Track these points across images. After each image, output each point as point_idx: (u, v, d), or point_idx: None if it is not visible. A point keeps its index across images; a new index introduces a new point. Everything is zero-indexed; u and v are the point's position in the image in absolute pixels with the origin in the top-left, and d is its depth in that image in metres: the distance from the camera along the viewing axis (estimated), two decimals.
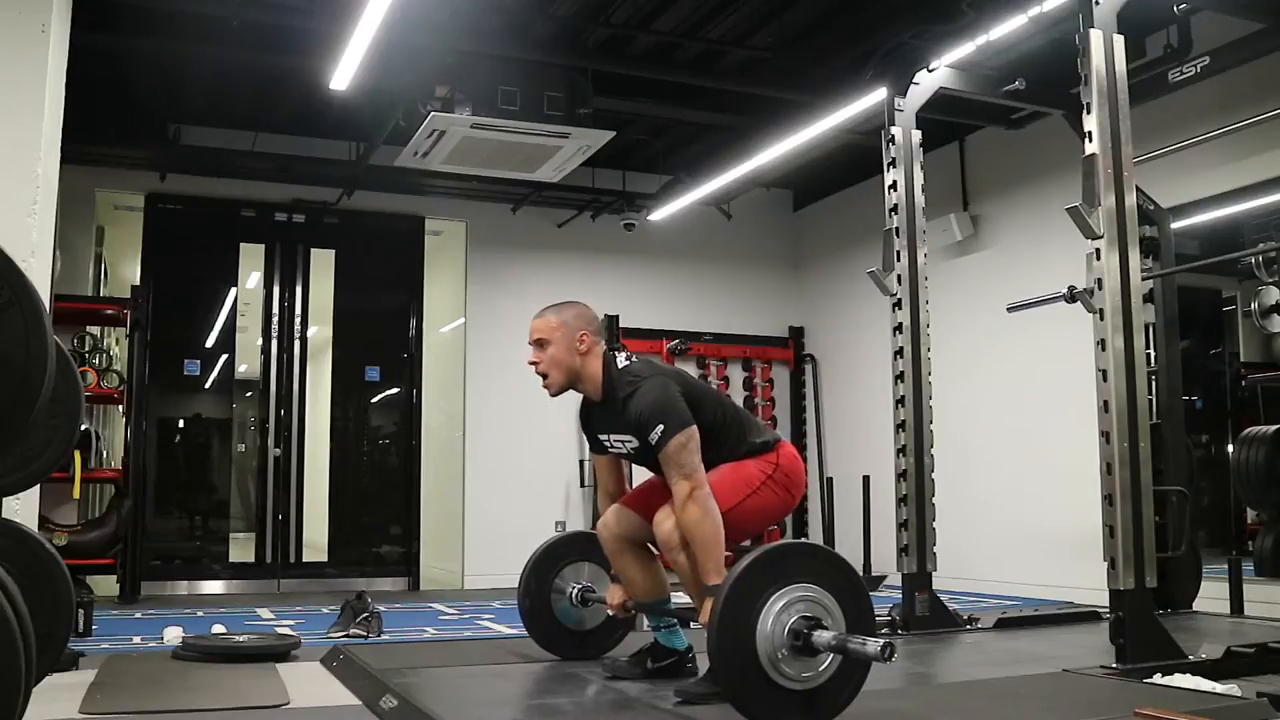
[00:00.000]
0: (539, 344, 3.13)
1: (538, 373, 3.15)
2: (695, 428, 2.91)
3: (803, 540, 2.50)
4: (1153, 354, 4.84)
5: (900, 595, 4.55)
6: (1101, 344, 3.57)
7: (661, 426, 2.88)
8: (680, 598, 3.76)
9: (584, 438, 3.42)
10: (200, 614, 5.94)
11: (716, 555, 2.82)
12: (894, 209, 4.70)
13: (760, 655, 2.40)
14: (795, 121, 6.38)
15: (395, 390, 8.36)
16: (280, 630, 4.85)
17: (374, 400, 8.54)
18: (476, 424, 8.21)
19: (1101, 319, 3.57)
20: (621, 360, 3.12)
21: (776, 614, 2.40)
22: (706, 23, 5.99)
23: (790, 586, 2.43)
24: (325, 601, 6.35)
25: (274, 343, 7.97)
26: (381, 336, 8.35)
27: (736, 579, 2.43)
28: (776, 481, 3.07)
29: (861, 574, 7.35)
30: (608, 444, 3.21)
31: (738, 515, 2.98)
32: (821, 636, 2.39)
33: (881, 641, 2.31)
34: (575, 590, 3.61)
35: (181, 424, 8.19)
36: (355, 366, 8.24)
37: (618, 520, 3.25)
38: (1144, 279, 4.13)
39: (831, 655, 2.43)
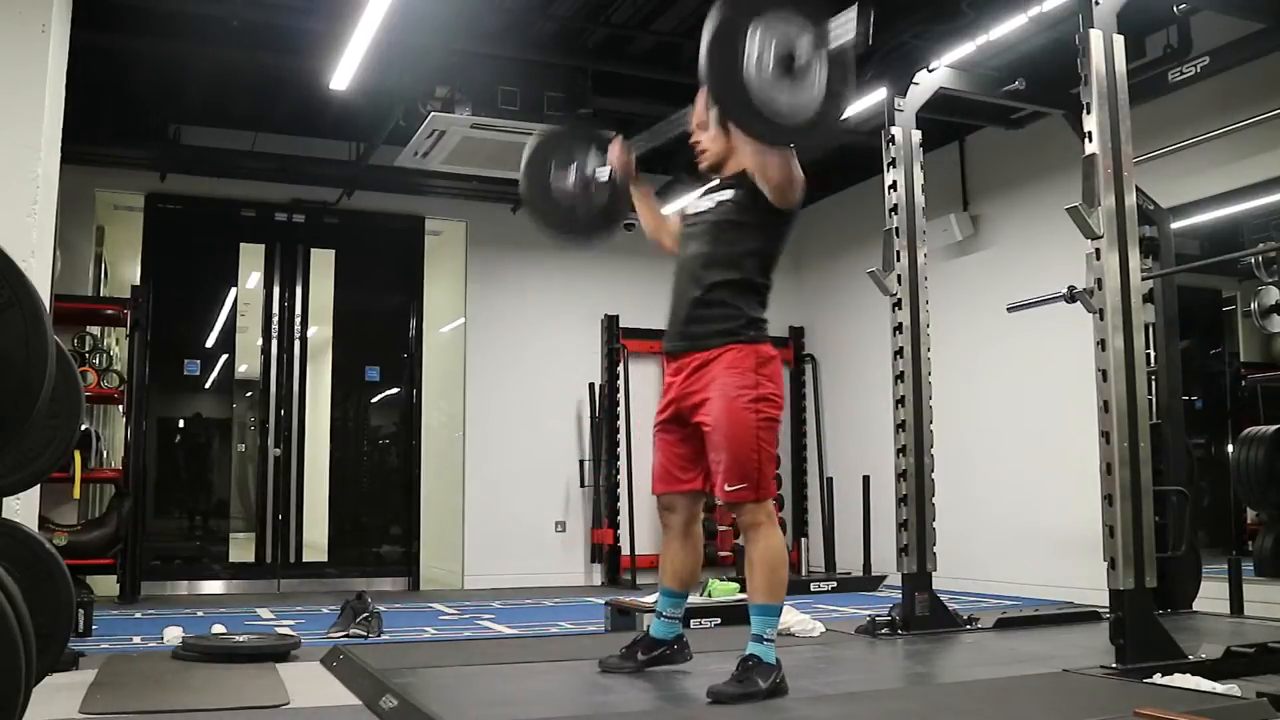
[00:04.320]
0: (701, 126, 3.28)
1: (700, 150, 3.30)
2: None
3: None
4: (1153, 354, 4.84)
5: (900, 595, 4.55)
6: (1101, 344, 3.57)
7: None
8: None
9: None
10: (200, 614, 5.94)
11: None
12: (894, 209, 4.70)
13: (756, 98, 2.56)
14: None
15: (395, 390, 8.36)
16: (280, 630, 4.84)
17: (374, 400, 8.54)
18: (476, 424, 8.21)
19: (1101, 319, 3.57)
20: None
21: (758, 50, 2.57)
22: None
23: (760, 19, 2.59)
24: (325, 601, 6.35)
25: (274, 343, 7.97)
26: (381, 336, 8.35)
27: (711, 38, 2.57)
28: (770, 417, 3.03)
29: (862, 574, 7.43)
30: (693, 205, 3.32)
31: (759, 442, 2.99)
32: (801, 44, 2.57)
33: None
34: (574, 176, 3.52)
35: (181, 424, 8.19)
36: (355, 366, 8.24)
37: (683, 507, 3.24)
38: (1144, 279, 4.13)
39: (816, 64, 2.60)
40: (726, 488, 2.97)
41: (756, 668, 2.89)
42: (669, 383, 3.23)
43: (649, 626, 3.41)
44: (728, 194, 3.16)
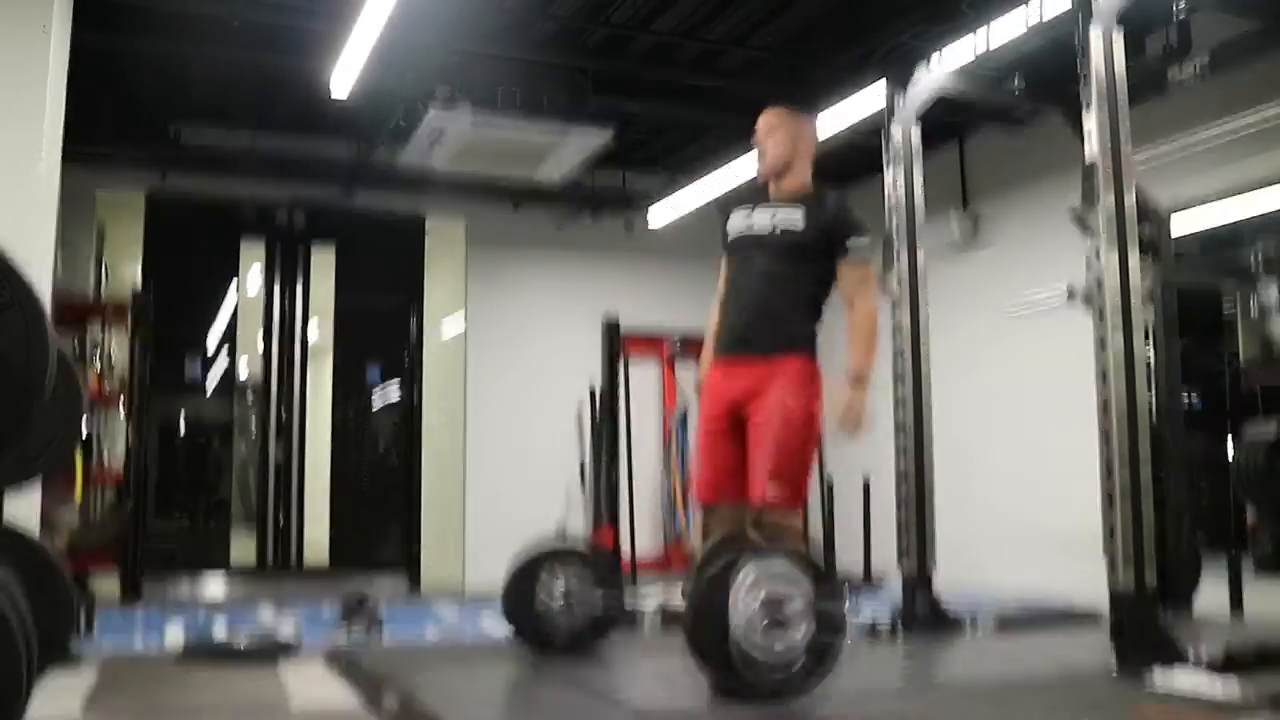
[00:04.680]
0: (769, 131, 3.37)
1: (759, 155, 3.38)
2: None
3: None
4: (1152, 354, 4.84)
5: (900, 595, 4.55)
6: (1101, 344, 3.57)
7: (866, 241, 3.25)
8: None
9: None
10: (201, 614, 5.94)
11: (874, 350, 3.18)
12: (894, 209, 4.70)
13: (736, 642, 2.52)
14: None
15: (395, 390, 8.36)
16: (280, 630, 4.85)
17: (374, 400, 8.55)
18: (477, 424, 8.20)
19: (1101, 319, 3.58)
20: None
21: (745, 592, 2.53)
22: (706, 23, 5.99)
23: (751, 567, 2.56)
24: (325, 602, 6.34)
25: (274, 343, 7.97)
26: (382, 336, 8.36)
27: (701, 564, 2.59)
28: (816, 432, 3.19)
29: (862, 574, 7.42)
30: (753, 221, 3.31)
31: (807, 452, 3.14)
32: (791, 607, 2.52)
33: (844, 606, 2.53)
34: (560, 596, 3.53)
35: (182, 424, 8.20)
36: (355, 367, 8.24)
37: (730, 519, 3.23)
38: (1144, 279, 4.13)
39: (803, 623, 2.56)
40: (769, 490, 3.03)
41: None
42: (719, 385, 3.24)
43: None
44: (794, 218, 3.23)
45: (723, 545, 2.68)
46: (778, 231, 3.24)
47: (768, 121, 3.38)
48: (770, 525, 3.08)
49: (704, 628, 2.52)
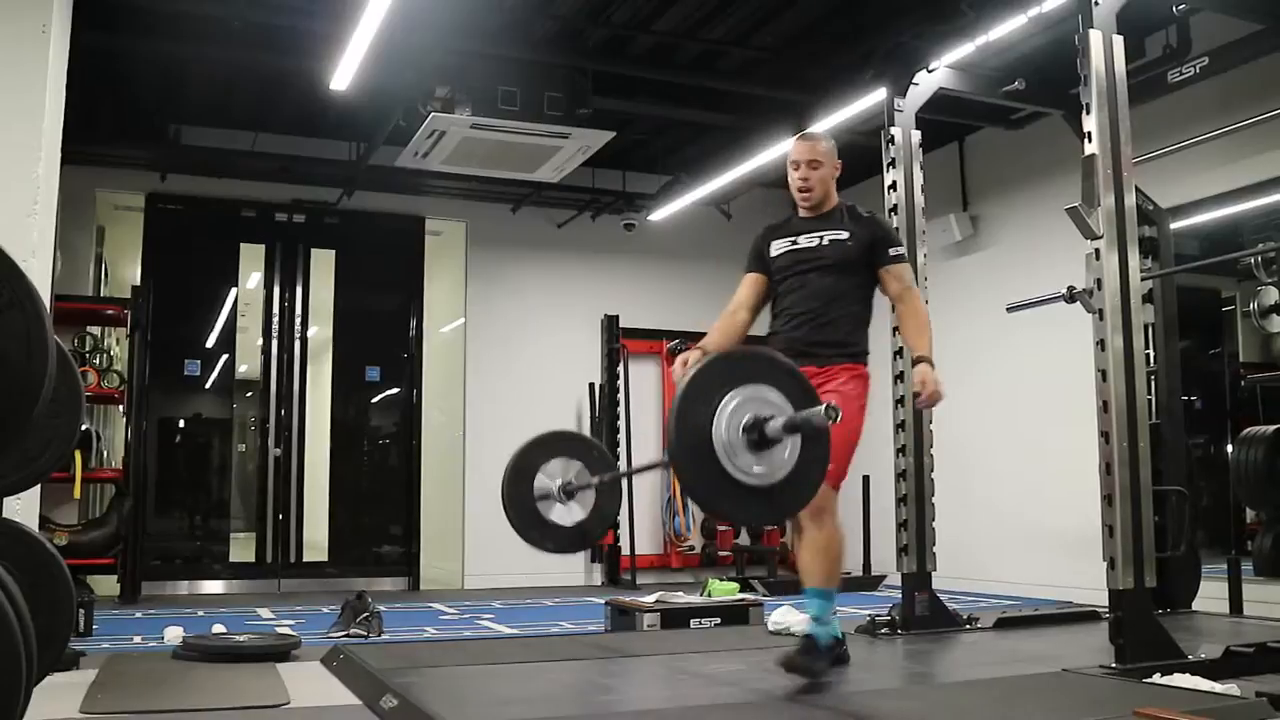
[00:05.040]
0: (813, 165, 3.46)
1: (804, 189, 3.47)
2: None
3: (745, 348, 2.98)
4: (1152, 354, 4.84)
5: (900, 595, 4.55)
6: (1101, 344, 3.57)
7: (903, 251, 3.51)
8: None
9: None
10: (200, 614, 5.95)
11: (928, 334, 3.38)
12: (894, 209, 4.71)
13: (721, 458, 2.50)
14: (795, 121, 6.38)
15: (395, 390, 8.36)
16: (280, 630, 4.85)
17: (374, 400, 8.54)
18: (476, 423, 8.20)
19: (1101, 319, 3.58)
20: None
21: (729, 415, 2.52)
22: (706, 23, 5.99)
23: (738, 389, 2.55)
24: (325, 601, 6.35)
25: (274, 343, 7.97)
26: (381, 336, 8.36)
27: (687, 387, 2.55)
28: (860, 427, 3.37)
29: (862, 574, 7.43)
30: (799, 243, 3.46)
31: (851, 439, 3.34)
32: (773, 424, 2.52)
33: (823, 406, 2.49)
34: (558, 487, 3.55)
35: (182, 424, 8.20)
36: (355, 366, 8.24)
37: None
38: (1144, 279, 4.13)
39: (789, 441, 2.55)
40: None
41: (812, 652, 3.05)
42: None
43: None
44: (841, 235, 3.41)
45: (714, 362, 2.70)
46: (827, 247, 3.42)
47: (806, 154, 3.48)
48: (813, 505, 3.11)
49: (690, 451, 2.53)
